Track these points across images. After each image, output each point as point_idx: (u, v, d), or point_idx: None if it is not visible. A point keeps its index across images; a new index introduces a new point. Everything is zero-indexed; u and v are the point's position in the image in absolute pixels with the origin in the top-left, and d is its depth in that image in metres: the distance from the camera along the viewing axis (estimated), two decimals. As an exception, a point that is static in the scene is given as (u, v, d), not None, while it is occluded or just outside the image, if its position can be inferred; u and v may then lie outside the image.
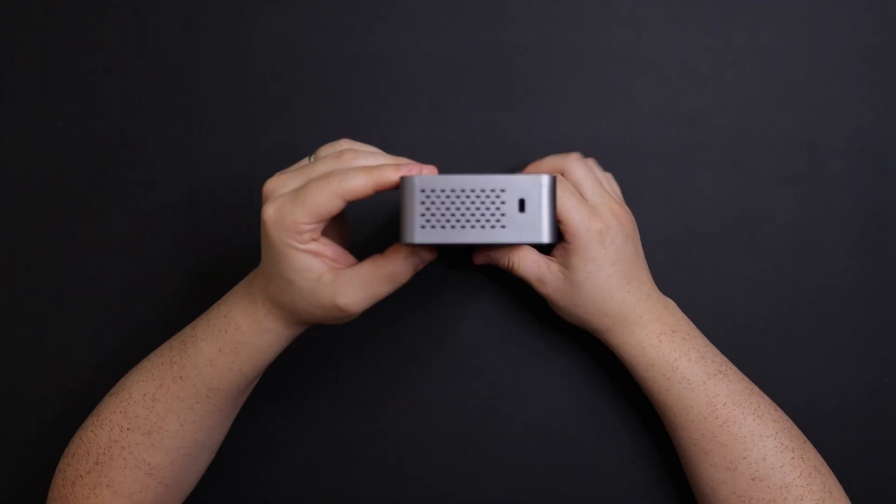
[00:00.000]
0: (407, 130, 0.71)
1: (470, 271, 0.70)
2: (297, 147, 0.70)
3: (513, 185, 0.52)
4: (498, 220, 0.52)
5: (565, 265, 0.62)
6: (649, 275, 0.64)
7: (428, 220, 0.52)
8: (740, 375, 0.63)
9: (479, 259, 0.66)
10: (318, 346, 0.70)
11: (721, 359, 0.63)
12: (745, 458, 0.60)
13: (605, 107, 0.71)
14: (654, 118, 0.70)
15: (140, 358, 0.64)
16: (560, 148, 0.70)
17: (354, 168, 0.53)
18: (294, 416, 0.70)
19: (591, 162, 0.66)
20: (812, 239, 0.70)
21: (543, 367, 0.70)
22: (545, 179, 0.52)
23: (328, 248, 0.55)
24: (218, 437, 0.64)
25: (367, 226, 0.70)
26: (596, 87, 0.71)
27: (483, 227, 0.52)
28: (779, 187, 0.70)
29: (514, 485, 0.69)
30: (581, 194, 0.62)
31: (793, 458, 0.60)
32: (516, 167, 0.70)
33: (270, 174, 0.57)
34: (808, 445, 0.62)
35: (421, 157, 0.67)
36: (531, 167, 0.66)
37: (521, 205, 0.52)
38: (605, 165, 0.68)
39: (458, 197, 0.52)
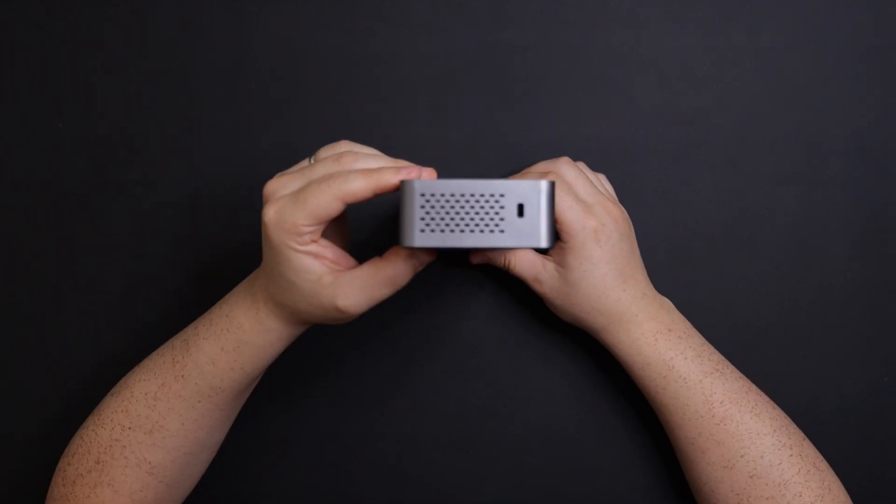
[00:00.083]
0: (407, 130, 0.71)
1: (469, 271, 0.70)
2: (297, 147, 0.70)
3: (512, 190, 0.52)
4: (497, 225, 0.52)
5: (561, 264, 0.62)
6: (645, 274, 0.64)
7: (427, 224, 0.52)
8: (737, 374, 0.63)
9: (476, 259, 0.66)
10: (319, 345, 0.70)
11: (717, 357, 0.63)
12: (742, 456, 0.60)
13: (605, 107, 0.71)
14: (654, 118, 0.70)
15: (140, 358, 0.64)
16: (560, 148, 0.70)
17: (354, 171, 0.53)
18: (294, 415, 0.71)
19: (581, 164, 0.66)
20: (812, 239, 0.70)
21: (543, 367, 0.70)
22: (544, 185, 0.52)
23: (328, 249, 0.55)
24: (219, 437, 0.64)
25: (367, 227, 0.70)
26: (596, 87, 0.71)
27: (482, 231, 0.52)
28: (779, 187, 0.70)
29: (514, 485, 0.70)
30: (575, 194, 0.62)
31: (791, 455, 0.60)
32: (516, 167, 0.70)
33: (270, 174, 0.57)
34: (807, 442, 0.62)
35: (421, 157, 0.67)
36: (521, 175, 0.66)
37: (520, 210, 0.52)
38: (605, 165, 0.68)
39: (457, 201, 0.52)
